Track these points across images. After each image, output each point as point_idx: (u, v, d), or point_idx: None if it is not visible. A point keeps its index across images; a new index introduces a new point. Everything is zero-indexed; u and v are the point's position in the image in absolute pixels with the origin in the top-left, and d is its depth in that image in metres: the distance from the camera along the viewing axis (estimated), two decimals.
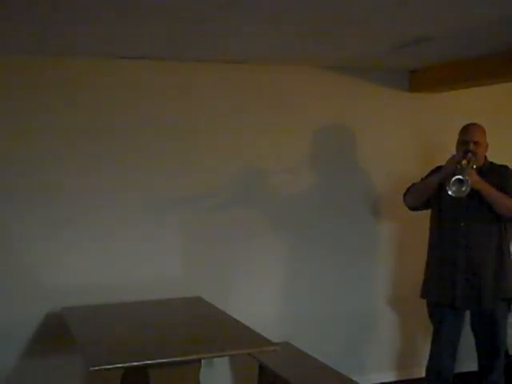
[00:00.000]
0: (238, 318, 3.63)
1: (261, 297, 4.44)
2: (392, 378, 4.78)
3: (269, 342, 3.26)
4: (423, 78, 4.59)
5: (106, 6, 2.77)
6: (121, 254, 4.12)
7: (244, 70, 4.31)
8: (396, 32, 3.37)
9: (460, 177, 3.53)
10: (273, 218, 4.47)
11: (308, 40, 3.55)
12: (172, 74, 4.19)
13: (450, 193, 3.55)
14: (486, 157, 3.91)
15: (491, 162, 3.92)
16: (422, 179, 4.01)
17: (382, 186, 4.63)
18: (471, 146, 3.78)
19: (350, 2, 2.75)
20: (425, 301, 4.08)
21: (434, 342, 4.03)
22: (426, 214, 4.04)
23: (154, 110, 4.17)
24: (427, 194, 3.90)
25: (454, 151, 3.87)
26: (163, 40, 3.55)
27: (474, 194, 3.67)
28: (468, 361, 4.46)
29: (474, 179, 3.60)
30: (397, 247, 4.72)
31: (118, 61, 4.04)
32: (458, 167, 3.60)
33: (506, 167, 3.89)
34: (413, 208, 4.05)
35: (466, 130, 3.86)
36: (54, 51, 3.83)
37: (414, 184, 4.03)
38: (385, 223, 4.72)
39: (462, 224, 3.81)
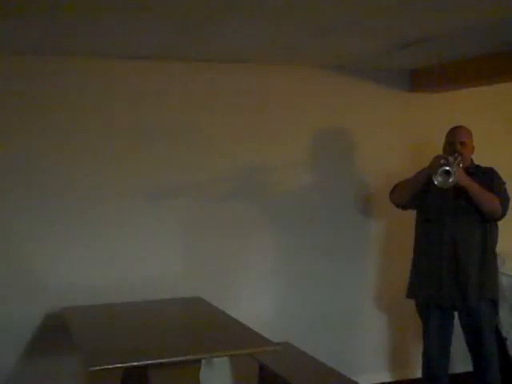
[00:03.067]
0: (237, 318, 3.62)
1: (261, 297, 4.44)
2: (391, 378, 4.78)
3: (269, 342, 3.25)
4: (423, 78, 4.59)
5: (106, 6, 2.78)
6: (121, 254, 4.12)
7: (244, 70, 4.31)
8: (396, 32, 3.37)
9: (447, 168, 3.56)
10: (272, 218, 4.47)
11: (308, 40, 3.55)
12: (172, 74, 4.19)
13: (436, 183, 3.57)
14: (472, 159, 3.94)
15: (477, 165, 3.95)
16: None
17: (381, 186, 4.62)
18: (458, 147, 3.83)
19: (350, 2, 2.75)
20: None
21: (424, 342, 4.05)
22: None
23: (154, 110, 4.17)
24: (414, 191, 3.93)
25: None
26: (163, 40, 3.55)
27: (460, 192, 3.72)
28: (464, 361, 4.44)
29: (460, 174, 3.63)
30: (397, 247, 4.72)
31: (118, 61, 4.04)
32: (445, 162, 3.62)
33: (491, 169, 3.92)
34: (398, 205, 4.08)
35: (453, 131, 3.94)
36: (54, 51, 3.83)
37: (400, 181, 4.06)
38: (385, 223, 4.72)
39: (448, 223, 3.83)
